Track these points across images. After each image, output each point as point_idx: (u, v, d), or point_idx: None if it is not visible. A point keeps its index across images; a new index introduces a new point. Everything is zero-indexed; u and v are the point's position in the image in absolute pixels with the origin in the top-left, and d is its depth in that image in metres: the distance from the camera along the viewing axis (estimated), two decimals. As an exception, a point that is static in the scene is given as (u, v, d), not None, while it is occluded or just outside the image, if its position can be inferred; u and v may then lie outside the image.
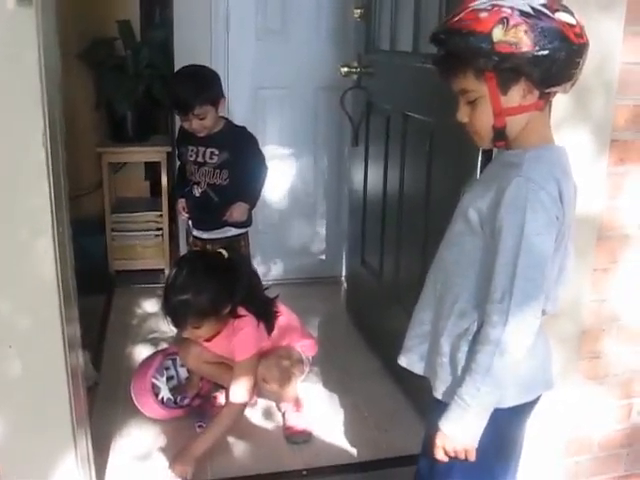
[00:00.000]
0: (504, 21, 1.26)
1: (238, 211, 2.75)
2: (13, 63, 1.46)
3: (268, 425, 2.55)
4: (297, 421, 2.48)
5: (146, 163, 4.08)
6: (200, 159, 2.80)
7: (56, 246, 1.60)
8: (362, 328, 3.26)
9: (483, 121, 1.35)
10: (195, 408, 2.56)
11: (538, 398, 1.51)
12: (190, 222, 2.96)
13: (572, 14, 1.31)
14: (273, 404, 2.63)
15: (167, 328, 3.23)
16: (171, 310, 2.22)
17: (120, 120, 3.79)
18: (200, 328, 2.25)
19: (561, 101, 1.61)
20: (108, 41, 3.75)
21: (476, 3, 1.30)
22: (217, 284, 2.24)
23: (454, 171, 2.14)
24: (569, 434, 2.11)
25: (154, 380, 2.51)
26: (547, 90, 1.34)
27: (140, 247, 3.88)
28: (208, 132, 2.75)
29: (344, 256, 3.81)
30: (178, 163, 3.01)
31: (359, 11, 3.02)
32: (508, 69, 1.29)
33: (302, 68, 3.60)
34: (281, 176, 3.64)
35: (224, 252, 2.38)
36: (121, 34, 3.74)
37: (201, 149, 2.79)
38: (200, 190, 2.82)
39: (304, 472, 2.25)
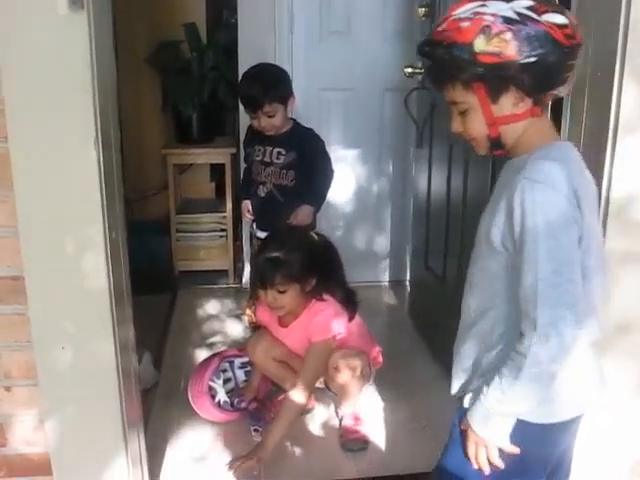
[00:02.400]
0: (485, 30, 1.20)
1: (303, 213, 2.72)
2: (65, 68, 1.47)
3: (324, 432, 2.51)
4: (354, 428, 2.43)
5: (211, 165, 4.10)
6: (267, 159, 2.79)
7: (108, 250, 1.59)
8: (425, 334, 3.20)
9: (477, 130, 1.31)
10: (251, 412, 2.54)
11: (577, 418, 1.39)
12: (254, 224, 2.95)
13: (563, 13, 1.23)
14: (330, 412, 2.60)
15: (229, 329, 3.29)
16: (261, 267, 2.29)
17: (186, 122, 3.82)
18: (284, 293, 2.28)
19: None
20: (174, 44, 3.79)
21: (459, 11, 1.24)
22: (308, 253, 2.31)
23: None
24: (635, 455, 2.00)
25: (211, 383, 2.51)
26: (540, 96, 1.28)
27: (204, 248, 3.91)
28: (276, 132, 2.74)
29: (408, 260, 3.74)
30: (244, 165, 3.02)
31: (423, 10, 2.96)
32: (496, 78, 1.24)
33: (367, 69, 3.56)
34: (345, 179, 3.60)
35: (316, 236, 2.44)
36: (187, 37, 3.77)
37: (268, 149, 2.79)
38: (265, 190, 2.81)
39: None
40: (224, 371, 2.57)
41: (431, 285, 3.13)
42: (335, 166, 2.90)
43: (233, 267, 3.91)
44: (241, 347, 2.75)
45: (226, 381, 2.57)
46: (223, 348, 2.96)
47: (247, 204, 2.94)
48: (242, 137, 3.06)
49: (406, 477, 2.23)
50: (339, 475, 2.26)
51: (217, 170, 4.08)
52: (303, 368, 2.34)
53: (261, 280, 2.30)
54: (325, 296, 2.37)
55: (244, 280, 3.73)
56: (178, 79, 3.75)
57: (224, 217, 3.86)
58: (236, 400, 2.54)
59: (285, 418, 2.26)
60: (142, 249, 3.55)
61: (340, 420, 2.49)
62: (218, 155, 3.83)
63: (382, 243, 3.86)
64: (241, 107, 2.94)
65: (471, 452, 1.34)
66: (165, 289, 3.73)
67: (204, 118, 3.82)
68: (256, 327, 2.71)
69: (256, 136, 2.83)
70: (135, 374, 1.93)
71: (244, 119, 3.07)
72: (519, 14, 1.20)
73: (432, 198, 3.10)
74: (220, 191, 4.06)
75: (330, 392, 2.55)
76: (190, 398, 2.52)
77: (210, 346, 3.11)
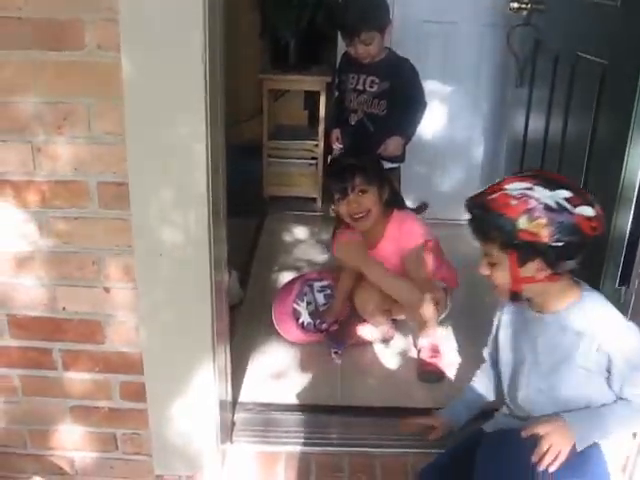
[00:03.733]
0: (529, 212, 1.45)
1: (393, 144, 2.72)
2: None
3: (401, 362, 2.56)
4: (431, 359, 2.47)
5: (306, 92, 4.10)
6: (360, 87, 2.80)
7: (209, 165, 1.64)
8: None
9: (501, 281, 1.57)
10: (332, 334, 2.61)
11: None
12: (343, 152, 2.96)
13: (593, 206, 1.48)
14: (409, 344, 2.64)
15: (314, 254, 3.35)
16: (341, 173, 2.42)
17: (283, 48, 3.83)
18: (366, 194, 2.38)
19: None
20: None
21: (510, 187, 1.49)
22: (378, 165, 2.51)
23: (622, 122, 1.99)
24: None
25: (295, 305, 2.58)
26: (558, 270, 1.53)
27: (294, 175, 3.95)
28: (371, 60, 2.73)
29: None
30: (336, 93, 3.02)
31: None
32: (527, 250, 1.49)
33: (470, 2, 3.46)
34: (439, 114, 3.55)
35: None
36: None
37: (362, 77, 2.79)
38: (356, 118, 2.82)
39: (432, 410, 2.25)
40: (305, 294, 2.64)
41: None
42: (429, 101, 2.87)
43: (322, 195, 3.94)
44: (321, 270, 2.81)
45: (308, 304, 2.64)
46: (306, 271, 3.02)
47: (336, 132, 2.95)
48: (339, 63, 3.05)
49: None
50: (415, 404, 2.31)
51: (311, 98, 4.08)
52: (409, 272, 2.42)
53: (343, 184, 2.37)
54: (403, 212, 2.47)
55: (331, 208, 3.76)
56: (277, 4, 3.73)
57: (316, 145, 3.88)
58: (317, 322, 2.61)
59: (399, 283, 2.43)
60: (234, 172, 3.61)
61: (418, 352, 2.53)
62: (313, 83, 3.82)
63: (471, 183, 3.80)
64: (339, 35, 2.93)
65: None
66: (254, 212, 3.80)
67: (302, 45, 3.82)
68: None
69: (351, 63, 2.82)
70: (225, 289, 2.01)
71: (342, 47, 3.05)
72: (558, 204, 1.46)
73: (528, 140, 3.03)
74: (313, 119, 4.07)
75: (410, 323, 2.59)
76: (274, 319, 2.61)
77: (294, 269, 3.18)
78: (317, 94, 3.81)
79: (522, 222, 1.45)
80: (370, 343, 2.64)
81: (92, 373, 1.87)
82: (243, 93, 4.00)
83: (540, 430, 1.53)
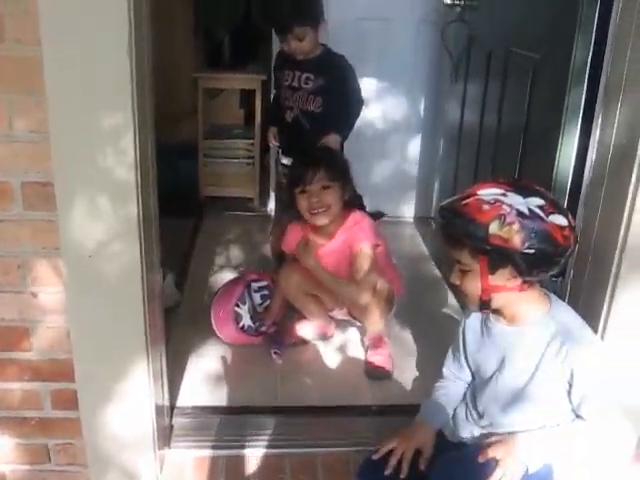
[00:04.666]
0: (501, 217, 1.44)
1: (330, 142, 2.69)
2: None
3: (345, 360, 2.54)
4: (378, 357, 2.45)
5: (242, 91, 4.06)
6: (295, 84, 2.76)
7: (138, 165, 1.58)
8: (447, 272, 3.18)
9: (472, 289, 1.56)
10: (271, 335, 2.57)
11: None
12: (280, 150, 2.95)
13: (566, 215, 1.49)
14: (350, 341, 2.62)
15: (252, 255, 3.31)
16: (305, 166, 2.41)
17: (218, 46, 3.80)
18: (329, 190, 2.36)
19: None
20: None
21: (483, 192, 1.49)
22: (345, 162, 2.49)
23: (554, 112, 2.01)
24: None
25: (237, 309, 2.54)
26: (529, 278, 1.53)
27: (231, 174, 3.90)
28: (305, 56, 2.70)
29: (434, 197, 3.71)
30: (273, 92, 2.99)
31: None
32: (498, 257, 1.47)
33: (405, 0, 3.47)
34: (376, 111, 3.56)
35: None
36: (224, -42, 3.69)
37: (297, 73, 2.76)
38: (292, 116, 2.79)
39: (373, 407, 2.24)
40: (246, 296, 2.59)
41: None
42: (367, 98, 2.87)
43: (259, 195, 3.90)
44: (261, 271, 2.78)
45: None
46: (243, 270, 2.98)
47: (273, 130, 2.94)
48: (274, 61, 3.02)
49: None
50: (356, 401, 2.29)
51: (247, 97, 4.04)
52: (356, 271, 2.37)
53: (306, 175, 2.34)
54: (358, 213, 2.44)
55: (269, 208, 3.73)
56: (212, 1, 3.67)
57: (252, 144, 3.85)
58: (257, 324, 2.57)
59: (341, 284, 2.41)
60: (169, 172, 3.54)
61: (366, 349, 2.51)
62: (249, 81, 3.79)
63: (409, 179, 3.83)
64: (274, 31, 2.89)
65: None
66: (191, 213, 3.74)
67: (237, 43, 3.78)
68: (280, 257, 2.73)
69: (286, 61, 2.80)
70: (159, 291, 1.95)
71: (278, 45, 3.02)
72: (531, 211, 1.45)
73: (463, 135, 3.06)
74: (249, 118, 4.03)
75: (355, 321, 2.57)
76: (214, 323, 2.56)
77: (232, 270, 3.14)
78: (253, 93, 3.77)
79: (494, 227, 1.44)
80: (311, 342, 2.61)
81: (20, 382, 1.79)
82: (178, 92, 3.94)
83: (496, 454, 1.51)
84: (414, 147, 3.76)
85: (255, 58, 3.90)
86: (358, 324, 2.63)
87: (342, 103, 2.73)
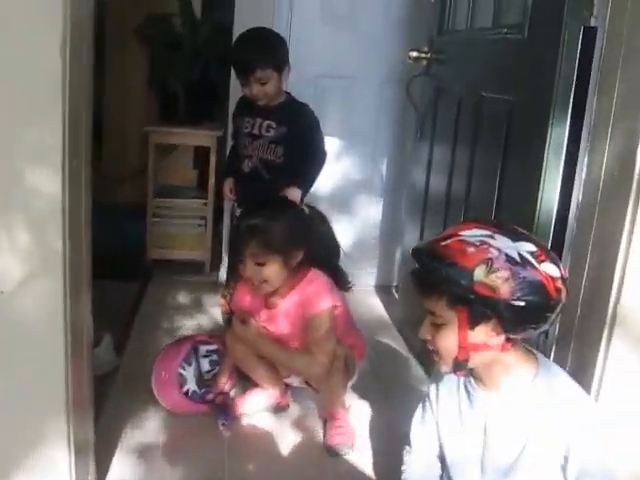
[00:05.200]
0: (489, 262, 1.24)
1: (290, 195, 2.48)
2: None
3: (302, 433, 2.25)
4: (339, 432, 2.17)
5: (195, 150, 3.86)
6: (255, 131, 2.59)
7: (66, 228, 1.37)
8: (410, 341, 2.95)
9: (446, 346, 1.34)
10: (219, 405, 2.29)
11: None
12: (235, 204, 2.75)
13: (558, 265, 1.30)
14: (313, 408, 2.36)
15: (201, 321, 3.04)
16: (238, 234, 2.10)
17: (172, 100, 3.61)
18: (264, 266, 2.06)
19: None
20: (166, 17, 3.57)
21: (466, 233, 1.29)
22: (293, 224, 2.11)
23: (534, 153, 1.84)
24: None
25: (181, 370, 2.26)
26: (513, 336, 1.32)
27: (181, 236, 3.65)
28: (268, 102, 2.54)
29: (397, 265, 3.51)
30: (231, 143, 2.83)
31: (431, -6, 2.77)
32: (481, 308, 1.26)
33: (368, 58, 3.35)
34: (336, 170, 3.38)
35: (307, 208, 2.27)
36: (180, 11, 3.56)
37: (258, 120, 2.58)
38: (251, 165, 2.59)
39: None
40: (191, 358, 2.32)
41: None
42: (328, 156, 2.69)
43: (210, 259, 3.65)
44: (211, 334, 2.52)
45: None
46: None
47: (229, 182, 2.74)
48: (231, 121, 2.87)
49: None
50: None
51: (201, 157, 3.85)
52: (311, 340, 2.11)
53: (238, 248, 2.08)
54: (315, 272, 2.17)
55: (221, 273, 3.48)
56: (167, 54, 3.54)
57: (205, 204, 3.62)
58: (203, 390, 2.29)
59: (292, 357, 2.17)
60: (115, 232, 3.34)
61: (324, 422, 2.25)
62: (204, 137, 3.58)
63: (370, 243, 3.62)
64: (232, 88, 2.77)
65: None
66: (136, 276, 3.47)
67: (192, 97, 3.60)
68: (231, 319, 2.47)
69: (247, 107, 2.63)
70: (88, 351, 1.69)
71: (234, 100, 2.85)
72: (521, 257, 1.25)
73: (429, 195, 2.88)
74: (202, 179, 3.82)
75: (311, 389, 2.31)
76: (154, 386, 2.27)
77: (178, 336, 2.84)
78: (207, 151, 3.57)
79: (479, 273, 1.23)
80: (264, 411, 2.33)
81: None
82: (129, 147, 3.75)
83: None
84: (376, 211, 3.58)
85: (211, 116, 3.72)
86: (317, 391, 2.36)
87: (305, 154, 2.55)
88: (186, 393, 2.25)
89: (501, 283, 1.23)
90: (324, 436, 2.19)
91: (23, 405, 1.46)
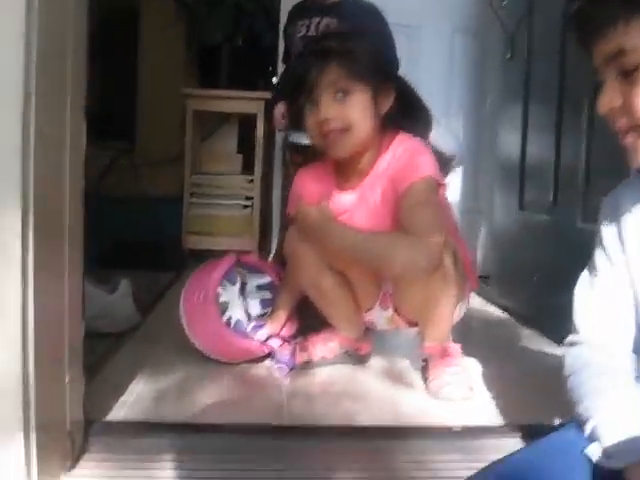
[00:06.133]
0: None
1: None
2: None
3: (386, 386, 1.57)
4: (453, 370, 1.51)
5: (240, 124, 3.30)
6: (312, 32, 2.14)
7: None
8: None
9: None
10: (274, 349, 1.64)
11: None
12: (290, 131, 2.24)
13: None
14: (397, 364, 1.69)
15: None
16: (313, 60, 1.49)
17: (213, 64, 3.11)
18: (349, 97, 1.47)
19: None
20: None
21: None
22: (380, 51, 1.62)
23: None
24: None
25: (221, 290, 1.63)
26: None
27: (223, 220, 3.06)
28: None
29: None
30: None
31: None
32: None
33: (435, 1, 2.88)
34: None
35: None
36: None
37: (315, 20, 2.18)
38: None
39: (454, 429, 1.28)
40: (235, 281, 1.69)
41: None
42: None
43: (258, 248, 3.03)
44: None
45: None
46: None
47: (282, 107, 2.24)
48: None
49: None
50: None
51: (245, 142, 3.29)
52: (409, 219, 1.43)
53: (311, 73, 1.47)
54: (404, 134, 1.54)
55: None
56: (208, 10, 3.05)
57: (251, 181, 3.04)
58: (253, 324, 1.64)
59: (387, 241, 1.45)
60: (148, 221, 2.83)
61: (424, 362, 1.59)
62: (249, 103, 3.04)
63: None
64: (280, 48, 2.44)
65: None
66: (171, 266, 2.86)
67: (235, 60, 3.11)
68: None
69: (298, 11, 2.25)
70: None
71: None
72: None
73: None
74: (248, 161, 3.25)
75: (404, 324, 1.65)
76: (183, 316, 1.63)
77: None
78: (254, 118, 3.03)
79: None
80: (337, 361, 1.68)
81: None
82: (165, 127, 3.20)
83: None
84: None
85: (255, 83, 3.18)
86: (410, 333, 1.70)
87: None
88: (228, 322, 1.60)
89: None
90: (427, 379, 1.53)
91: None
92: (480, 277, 2.56)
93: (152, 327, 1.97)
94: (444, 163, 1.57)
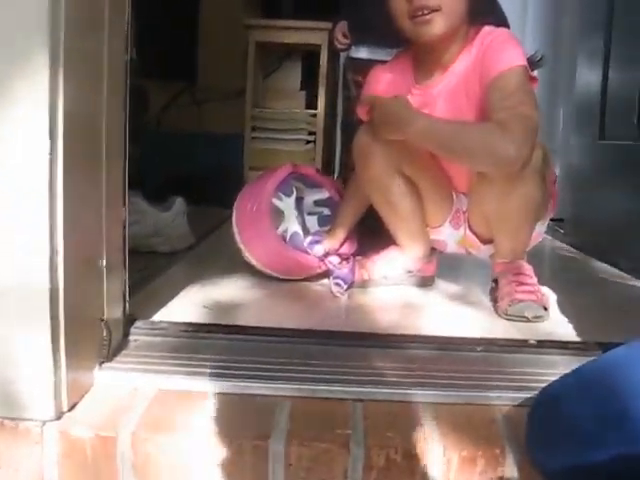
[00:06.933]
0: None
1: None
2: None
3: (451, 308, 1.44)
4: (527, 288, 1.37)
5: (303, 61, 3.16)
6: None
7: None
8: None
9: None
10: (333, 265, 1.53)
11: None
12: (353, 47, 2.12)
13: None
14: (463, 287, 1.57)
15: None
16: None
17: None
18: None
19: None
20: None
21: None
22: None
23: None
24: None
25: (276, 201, 1.53)
26: None
27: (285, 154, 2.95)
28: None
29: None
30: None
31: None
32: None
33: None
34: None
35: None
36: None
37: None
38: None
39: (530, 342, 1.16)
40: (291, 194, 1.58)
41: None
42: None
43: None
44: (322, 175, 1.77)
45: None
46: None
47: (343, 25, 2.15)
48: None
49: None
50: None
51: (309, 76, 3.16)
52: (497, 109, 1.29)
53: None
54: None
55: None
56: None
57: (314, 115, 2.92)
58: (310, 239, 1.54)
59: (471, 128, 1.34)
60: (210, 155, 2.80)
61: (494, 282, 1.45)
62: (313, 34, 2.90)
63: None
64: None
65: None
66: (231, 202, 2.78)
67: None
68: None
69: None
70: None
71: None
72: None
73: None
74: (311, 93, 3.12)
75: (476, 249, 1.52)
76: (236, 227, 1.55)
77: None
78: (318, 49, 2.89)
79: None
80: (399, 281, 1.57)
81: None
82: (228, 63, 3.09)
83: None
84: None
85: (318, 13, 3.03)
86: (479, 260, 1.57)
87: None
88: (283, 235, 1.50)
89: None
90: (497, 298, 1.39)
91: None
92: (554, 220, 2.41)
93: (206, 250, 1.90)
94: (530, 63, 1.42)
